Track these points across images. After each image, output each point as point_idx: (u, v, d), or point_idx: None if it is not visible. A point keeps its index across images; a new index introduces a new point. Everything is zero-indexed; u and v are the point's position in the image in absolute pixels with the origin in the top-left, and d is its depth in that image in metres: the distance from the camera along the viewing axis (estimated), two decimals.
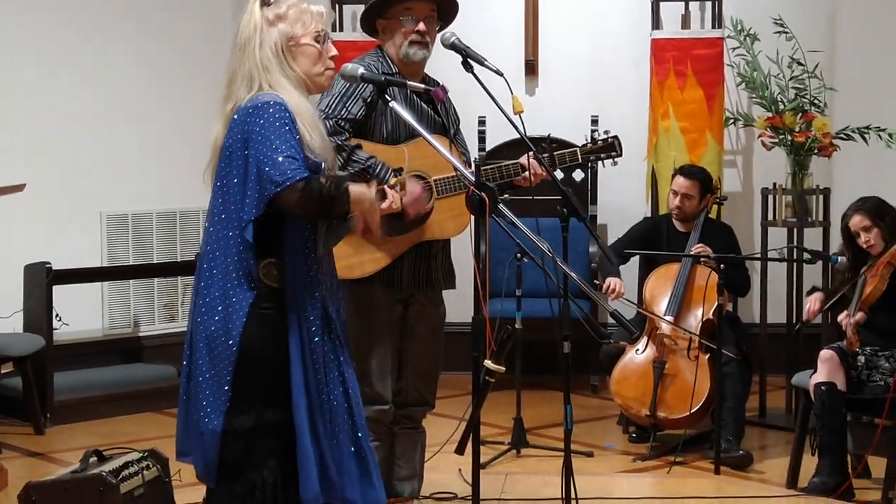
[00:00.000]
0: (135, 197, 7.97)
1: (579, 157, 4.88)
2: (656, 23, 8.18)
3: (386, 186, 3.82)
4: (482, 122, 8.00)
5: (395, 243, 4.70)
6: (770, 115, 7.29)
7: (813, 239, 7.29)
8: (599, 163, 4.91)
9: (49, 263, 7.12)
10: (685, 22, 8.26)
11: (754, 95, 7.60)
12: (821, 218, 7.31)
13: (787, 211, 7.23)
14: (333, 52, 3.73)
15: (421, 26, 4.76)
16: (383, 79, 4.00)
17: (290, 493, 3.57)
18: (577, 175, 8.25)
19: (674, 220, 6.88)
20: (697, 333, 6.39)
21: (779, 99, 7.37)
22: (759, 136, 7.44)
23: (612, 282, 6.51)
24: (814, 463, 5.78)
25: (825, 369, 5.69)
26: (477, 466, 3.80)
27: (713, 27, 8.13)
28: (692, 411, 6.30)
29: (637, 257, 6.95)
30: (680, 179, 6.82)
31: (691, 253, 6.56)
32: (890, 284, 5.74)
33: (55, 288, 7.15)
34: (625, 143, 5.04)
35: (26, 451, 6.60)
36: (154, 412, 7.47)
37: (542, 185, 4.72)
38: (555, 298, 4.10)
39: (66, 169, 7.65)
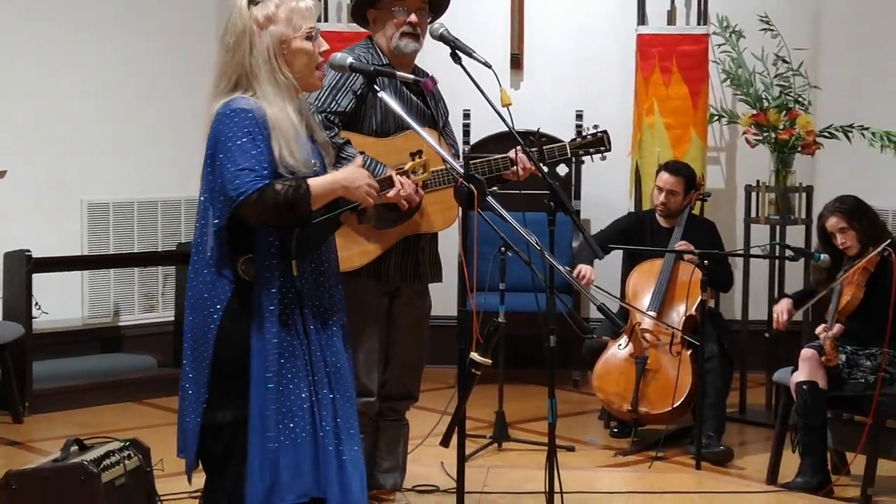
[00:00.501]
0: (116, 185, 7.92)
1: (568, 151, 4.87)
2: (642, 18, 8.19)
3: (394, 174, 3.82)
4: (467, 116, 7.99)
5: (383, 237, 4.69)
6: (754, 112, 7.30)
7: (795, 236, 7.31)
8: (588, 157, 4.90)
9: (29, 251, 7.09)
10: (671, 18, 8.26)
11: (739, 92, 7.61)
12: (803, 216, 7.33)
13: (769, 208, 7.24)
14: (325, 46, 3.70)
15: (413, 18, 4.74)
16: (372, 69, 3.98)
17: None
18: (562, 170, 8.25)
19: (657, 216, 6.88)
20: (680, 329, 6.39)
21: (763, 96, 7.37)
22: (744, 133, 7.45)
23: (582, 268, 6.49)
24: (793, 459, 5.79)
25: (806, 368, 5.70)
26: (462, 459, 3.80)
27: (699, 23, 8.14)
28: (673, 407, 6.30)
29: (620, 252, 6.95)
30: (665, 175, 6.82)
31: (676, 248, 6.56)
32: (868, 293, 5.74)
33: (35, 276, 7.12)
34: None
35: (4, 439, 6.56)
36: (133, 402, 7.45)
37: (529, 180, 4.72)
38: (540, 293, 4.10)
39: (46, 157, 7.61)
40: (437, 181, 4.62)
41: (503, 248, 6.01)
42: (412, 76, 4.29)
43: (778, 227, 7.22)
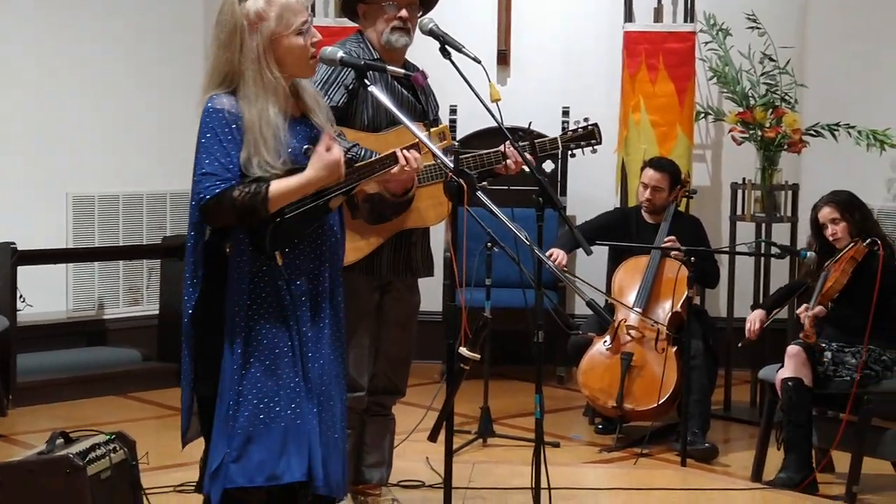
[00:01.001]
0: (101, 179, 7.90)
1: (559, 145, 4.86)
2: (629, 15, 8.19)
3: (398, 150, 3.83)
4: (454, 111, 7.99)
5: (375, 232, 4.67)
6: (741, 110, 7.32)
7: (781, 234, 7.32)
8: (579, 151, 4.89)
9: (14, 244, 7.07)
10: (658, 15, 8.27)
11: (725, 90, 7.62)
12: (789, 214, 7.34)
13: (755, 206, 7.26)
14: (317, 37, 3.70)
15: (403, 13, 4.73)
16: (363, 63, 3.98)
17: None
18: (548, 166, 8.25)
19: (643, 213, 6.89)
20: (665, 324, 6.40)
21: (750, 94, 7.38)
22: (730, 130, 7.46)
23: (554, 251, 6.46)
24: (778, 457, 5.80)
25: (792, 364, 5.71)
26: (450, 454, 3.79)
27: (685, 21, 8.15)
28: (659, 403, 6.31)
29: (605, 249, 6.95)
30: (650, 172, 6.83)
31: (663, 245, 6.56)
32: (853, 280, 5.76)
33: (20, 269, 7.10)
34: None
35: None
36: (117, 395, 7.45)
37: (518, 176, 4.72)
38: (527, 289, 4.10)
39: (32, 150, 7.59)
40: (429, 176, 4.62)
41: (489, 244, 6.01)
42: (402, 70, 4.28)
43: (764, 225, 7.24)
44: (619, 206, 7.82)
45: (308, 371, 3.63)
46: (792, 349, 5.75)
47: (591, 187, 8.22)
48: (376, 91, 3.86)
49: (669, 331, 6.38)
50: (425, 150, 3.94)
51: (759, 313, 6.12)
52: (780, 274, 7.25)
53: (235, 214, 3.51)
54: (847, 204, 5.87)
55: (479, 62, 4.11)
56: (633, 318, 6.49)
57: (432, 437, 3.77)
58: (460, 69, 4.10)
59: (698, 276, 6.30)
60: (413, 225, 4.74)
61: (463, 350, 3.63)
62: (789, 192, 7.35)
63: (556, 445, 6.41)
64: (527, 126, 5.15)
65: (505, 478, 5.64)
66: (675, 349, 6.38)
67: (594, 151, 4.91)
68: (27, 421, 6.80)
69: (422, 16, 4.80)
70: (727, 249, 7.41)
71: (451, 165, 3.71)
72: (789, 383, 5.68)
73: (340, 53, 3.89)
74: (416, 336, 5.08)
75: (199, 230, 3.63)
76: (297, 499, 3.65)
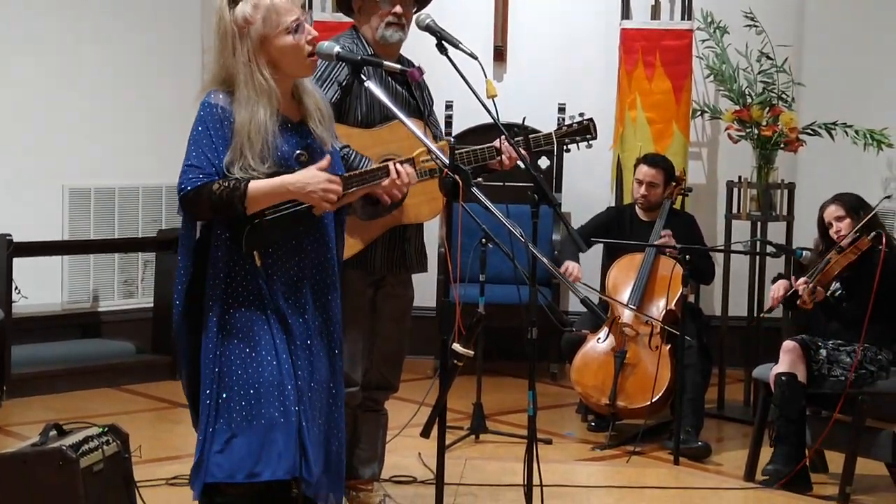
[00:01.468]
0: (97, 171, 7.89)
1: (554, 140, 4.85)
2: (626, 13, 8.19)
3: (391, 163, 3.83)
4: (449, 107, 7.98)
5: (369, 228, 4.67)
6: (737, 108, 7.32)
7: (776, 233, 7.32)
8: (574, 146, 4.89)
9: (10, 235, 7.06)
10: (655, 13, 8.28)
11: (722, 88, 7.62)
12: (785, 212, 7.34)
13: (751, 204, 7.25)
14: (313, 33, 3.71)
15: (398, 8, 4.72)
16: (360, 58, 3.97)
17: None
18: (543, 162, 8.25)
19: (638, 210, 6.89)
20: (660, 320, 6.40)
21: (747, 92, 7.39)
22: (726, 128, 7.46)
23: (569, 265, 6.51)
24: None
25: (787, 360, 5.72)
26: (442, 450, 3.79)
27: (683, 19, 8.14)
28: (652, 401, 6.32)
29: (600, 247, 6.95)
30: (644, 168, 6.83)
31: (658, 241, 6.56)
32: (856, 273, 5.76)
33: (15, 260, 7.09)
34: None
35: None
36: (111, 388, 7.45)
37: (512, 172, 4.71)
38: (521, 285, 4.09)
39: (28, 142, 7.57)
40: (423, 171, 4.61)
41: (484, 240, 6.01)
42: (398, 66, 4.27)
43: (759, 224, 7.24)
44: (614, 202, 7.82)
45: (298, 368, 3.63)
46: (788, 344, 5.76)
47: (586, 184, 8.22)
48: (373, 87, 3.86)
49: (665, 326, 6.37)
50: (419, 159, 3.96)
51: (783, 282, 6.04)
52: (775, 273, 7.22)
53: (212, 207, 3.56)
54: (853, 204, 5.89)
55: (475, 58, 4.09)
56: (627, 316, 6.49)
57: (425, 433, 3.77)
58: (457, 65, 4.10)
59: (693, 273, 6.30)
60: (407, 220, 4.74)
61: (456, 346, 3.63)
62: (785, 191, 7.34)
63: (549, 442, 6.41)
64: (521, 121, 5.15)
65: (497, 474, 5.65)
66: (668, 347, 6.38)
67: (589, 146, 4.90)
68: (21, 412, 6.80)
69: (416, 11, 4.80)
70: (722, 248, 7.41)
71: (446, 161, 3.71)
72: (783, 378, 5.68)
73: (337, 48, 3.89)
74: (410, 331, 5.08)
75: (191, 223, 3.67)
76: (288, 497, 3.65)
